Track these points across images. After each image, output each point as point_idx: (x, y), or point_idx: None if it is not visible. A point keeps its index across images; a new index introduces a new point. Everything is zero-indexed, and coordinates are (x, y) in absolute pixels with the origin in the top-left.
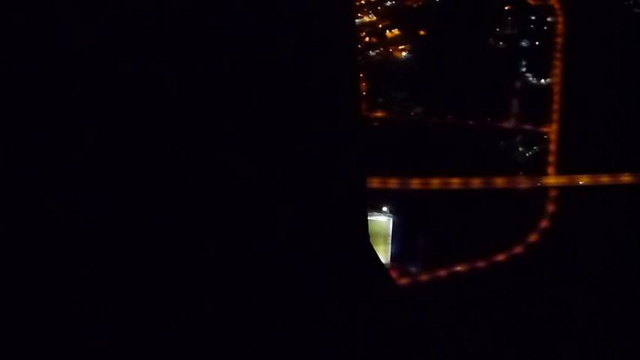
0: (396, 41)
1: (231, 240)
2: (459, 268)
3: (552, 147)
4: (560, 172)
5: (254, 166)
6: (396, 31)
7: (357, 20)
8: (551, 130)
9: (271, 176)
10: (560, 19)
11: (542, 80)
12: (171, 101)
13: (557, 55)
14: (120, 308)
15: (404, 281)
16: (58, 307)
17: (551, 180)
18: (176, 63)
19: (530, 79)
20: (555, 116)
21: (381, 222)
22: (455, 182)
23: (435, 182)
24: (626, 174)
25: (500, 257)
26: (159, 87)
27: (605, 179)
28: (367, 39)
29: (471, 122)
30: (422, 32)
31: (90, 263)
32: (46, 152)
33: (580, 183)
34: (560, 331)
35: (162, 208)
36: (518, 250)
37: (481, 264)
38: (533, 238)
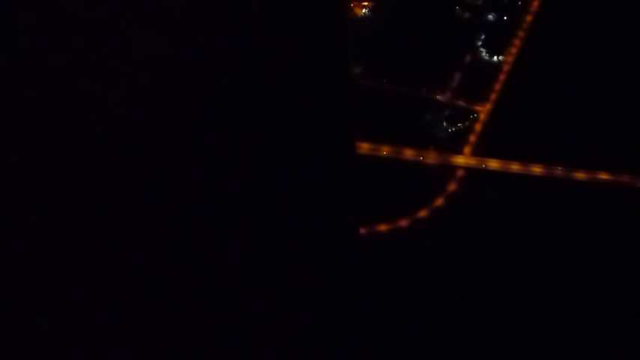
0: None
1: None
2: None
3: (478, 127)
4: (476, 153)
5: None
6: None
7: None
8: (483, 110)
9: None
10: None
11: (495, 57)
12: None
13: (521, 33)
14: None
15: None
16: None
17: (461, 160)
18: None
19: (483, 54)
20: (493, 96)
21: None
22: (364, 147)
23: None
24: (539, 165)
25: (384, 227)
26: None
27: (515, 167)
28: None
29: (404, 90)
30: None
31: None
32: None
33: (489, 167)
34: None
35: None
36: (403, 223)
37: (363, 231)
38: (422, 214)
